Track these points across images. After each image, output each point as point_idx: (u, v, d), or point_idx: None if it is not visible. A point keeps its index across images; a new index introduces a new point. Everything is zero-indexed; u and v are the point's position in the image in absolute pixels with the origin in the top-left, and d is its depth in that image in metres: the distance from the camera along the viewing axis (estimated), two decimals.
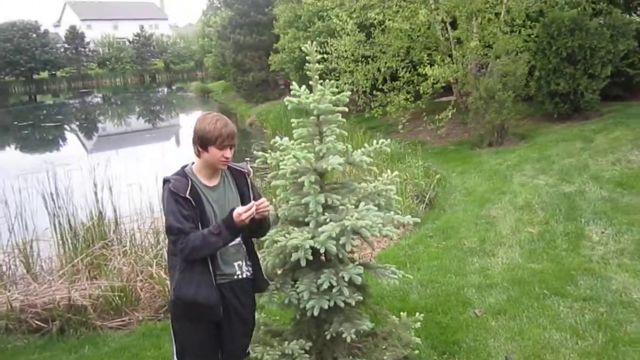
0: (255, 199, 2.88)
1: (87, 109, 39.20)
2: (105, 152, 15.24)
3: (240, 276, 2.91)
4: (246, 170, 2.98)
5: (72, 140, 23.91)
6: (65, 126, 28.24)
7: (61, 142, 23.40)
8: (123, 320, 4.86)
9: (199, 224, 2.76)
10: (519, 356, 3.59)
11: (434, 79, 11.27)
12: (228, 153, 2.77)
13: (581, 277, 4.67)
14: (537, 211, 6.47)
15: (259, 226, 2.89)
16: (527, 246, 5.52)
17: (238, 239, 2.89)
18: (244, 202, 2.87)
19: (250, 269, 2.97)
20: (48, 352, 4.39)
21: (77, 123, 30.37)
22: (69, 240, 6.22)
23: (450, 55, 11.82)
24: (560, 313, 4.12)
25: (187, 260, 2.75)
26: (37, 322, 4.70)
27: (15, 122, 29.66)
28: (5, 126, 29.35)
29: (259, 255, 3.70)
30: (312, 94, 3.32)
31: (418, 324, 3.63)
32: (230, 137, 2.75)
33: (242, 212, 2.68)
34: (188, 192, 2.76)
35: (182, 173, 2.85)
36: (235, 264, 2.90)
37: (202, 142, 2.76)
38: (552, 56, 10.38)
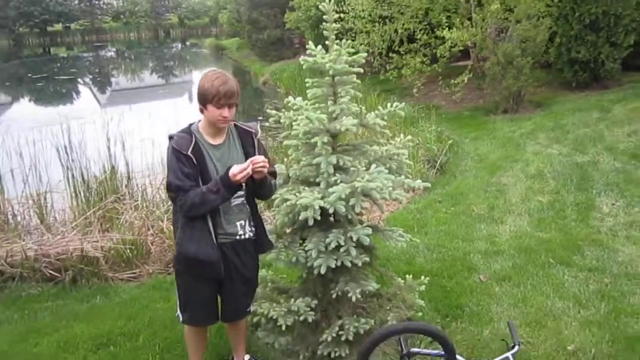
0: None
1: (101, 62, 39.10)
2: (118, 106, 15.23)
3: (242, 236, 2.93)
4: (253, 131, 2.95)
5: (86, 94, 23.93)
6: (79, 80, 28.23)
7: (75, 96, 23.45)
8: (134, 273, 4.96)
9: (200, 182, 2.76)
10: (521, 322, 3.63)
11: (451, 43, 11.05)
12: (226, 112, 2.73)
13: (588, 248, 4.68)
14: (549, 180, 6.44)
15: (259, 187, 2.86)
16: (536, 215, 5.52)
17: (241, 199, 2.90)
18: None
19: (254, 229, 2.98)
20: (61, 300, 4.52)
21: (91, 77, 30.36)
22: (82, 193, 6.32)
23: (470, 19, 11.56)
24: (565, 282, 4.15)
25: (187, 217, 2.78)
26: (50, 271, 4.81)
27: (30, 75, 29.68)
28: (19, 78, 29.40)
29: (269, 214, 3.75)
30: (328, 54, 3.28)
31: (423, 287, 3.67)
32: (227, 96, 2.70)
33: (237, 172, 2.67)
34: (190, 149, 2.76)
35: (188, 130, 2.85)
36: (238, 223, 2.91)
37: (201, 100, 2.75)
38: (574, 22, 10.13)
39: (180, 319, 3.04)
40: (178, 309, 3.04)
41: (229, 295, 3.01)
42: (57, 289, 4.71)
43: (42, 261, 4.82)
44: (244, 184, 2.81)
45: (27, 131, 7.51)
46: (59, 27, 57.60)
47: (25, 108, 20.00)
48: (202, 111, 2.79)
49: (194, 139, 2.80)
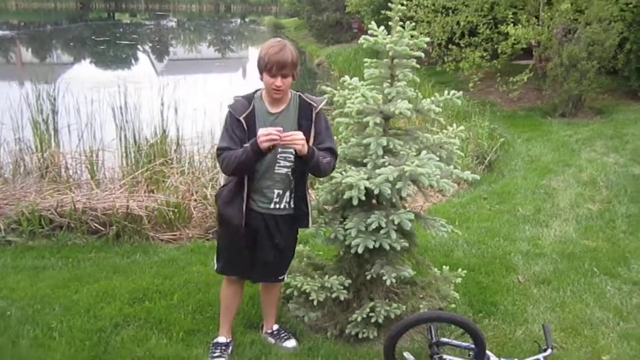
0: (316, 135, 2.86)
1: (161, 31, 39.88)
2: (174, 75, 15.47)
3: (278, 206, 2.92)
4: (314, 104, 2.88)
5: (144, 61, 24.46)
6: (139, 46, 28.86)
7: (133, 61, 23.99)
8: (174, 235, 5.08)
9: None
10: (556, 327, 3.53)
11: (515, 39, 10.74)
12: (278, 81, 2.72)
13: (635, 261, 4.50)
14: (601, 189, 6.21)
15: (305, 163, 2.78)
16: (583, 222, 5.34)
17: (286, 170, 2.87)
18: None
19: (292, 204, 2.95)
20: (104, 253, 4.67)
21: (150, 44, 30.98)
22: (132, 154, 6.50)
23: (537, 16, 11.19)
24: (607, 292, 4.01)
25: (228, 175, 2.88)
26: (96, 224, 4.98)
27: (93, 37, 30.55)
28: (83, 39, 30.32)
29: (312, 191, 3.75)
30: (389, 35, 3.24)
31: (459, 280, 3.62)
32: (279, 66, 2.68)
33: (261, 135, 2.63)
34: (244, 115, 2.80)
35: (249, 96, 2.89)
36: (276, 191, 2.90)
37: (258, 67, 2.78)
38: None
39: (215, 267, 3.14)
40: (215, 259, 3.14)
41: (259, 259, 3.02)
42: (100, 242, 4.88)
43: (89, 214, 4.99)
44: (288, 155, 2.82)
45: (86, 90, 7.73)
46: None
47: (85, 69, 20.62)
48: (261, 79, 2.81)
49: (251, 106, 2.83)
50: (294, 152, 2.79)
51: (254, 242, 2.99)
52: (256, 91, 2.92)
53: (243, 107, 2.83)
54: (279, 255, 3.05)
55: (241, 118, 2.79)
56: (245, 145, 2.73)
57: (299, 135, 2.69)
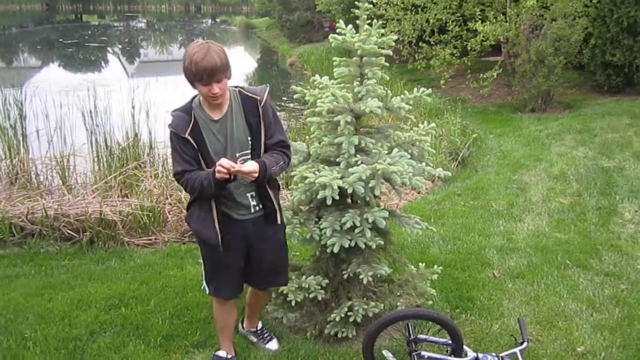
0: (266, 129, 2.68)
1: (131, 33, 39.34)
2: (145, 77, 15.25)
3: (257, 207, 2.80)
4: (258, 98, 2.66)
5: (114, 63, 24.08)
6: (109, 48, 28.43)
7: (103, 64, 23.61)
8: (149, 239, 5.03)
9: (203, 163, 2.62)
10: (531, 320, 3.60)
11: (483, 36, 10.90)
12: (215, 89, 2.47)
13: (606, 253, 4.60)
14: (572, 182, 6.34)
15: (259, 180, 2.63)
16: (555, 215, 5.44)
17: None
18: (252, 132, 2.66)
19: (261, 205, 2.81)
20: (78, 260, 4.60)
21: (120, 46, 30.53)
22: (104, 158, 6.40)
23: (505, 13, 11.37)
24: (580, 284, 4.09)
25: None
26: (69, 231, 4.91)
27: (60, 40, 29.98)
28: (50, 42, 29.72)
29: (287, 192, 3.74)
30: (357, 34, 3.26)
31: (435, 276, 3.66)
32: (208, 73, 2.41)
33: (219, 168, 2.44)
34: (188, 131, 2.57)
35: (187, 108, 2.65)
36: (249, 195, 2.75)
37: (186, 78, 2.49)
38: (611, 25, 9.89)
39: (207, 291, 2.95)
40: (204, 281, 2.95)
41: (257, 264, 2.91)
42: (74, 248, 4.80)
43: (61, 220, 4.92)
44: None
45: (55, 94, 7.58)
46: None
47: (54, 72, 20.20)
48: (194, 88, 2.55)
49: (192, 118, 2.60)
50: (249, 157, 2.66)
51: (246, 252, 2.85)
52: (193, 99, 2.69)
53: (184, 122, 2.59)
54: (278, 251, 2.94)
55: (186, 135, 2.57)
56: (205, 176, 2.55)
57: (251, 170, 2.53)
